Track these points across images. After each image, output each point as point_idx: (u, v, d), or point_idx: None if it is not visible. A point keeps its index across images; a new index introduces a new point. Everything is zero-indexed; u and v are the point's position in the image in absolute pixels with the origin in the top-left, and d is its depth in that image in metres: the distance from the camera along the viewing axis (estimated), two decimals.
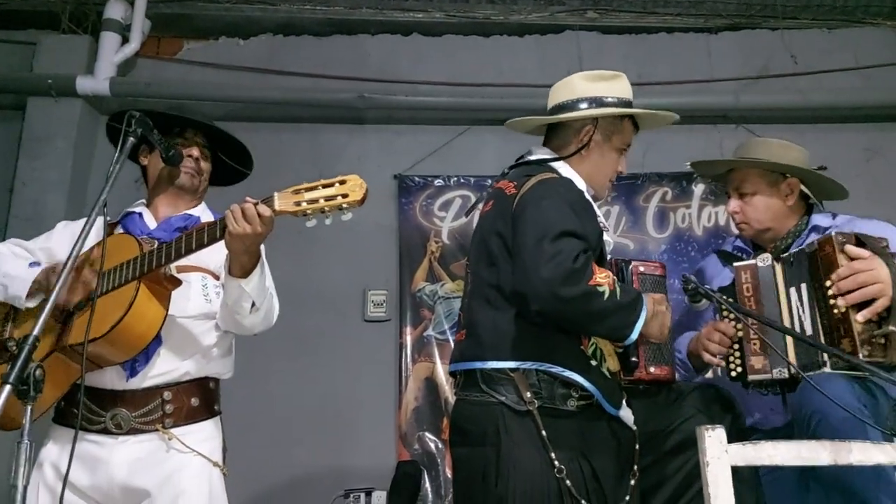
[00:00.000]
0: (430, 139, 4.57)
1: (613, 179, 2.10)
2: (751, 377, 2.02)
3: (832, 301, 1.87)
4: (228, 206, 1.80)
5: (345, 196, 1.74)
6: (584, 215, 1.85)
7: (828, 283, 1.89)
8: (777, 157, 2.27)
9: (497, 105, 4.29)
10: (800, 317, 1.97)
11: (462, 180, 4.48)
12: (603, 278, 1.71)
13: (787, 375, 1.97)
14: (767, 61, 4.78)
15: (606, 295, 1.70)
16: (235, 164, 2.28)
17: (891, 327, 1.81)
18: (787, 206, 2.28)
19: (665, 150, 4.51)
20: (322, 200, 1.74)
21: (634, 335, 1.75)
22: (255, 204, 1.78)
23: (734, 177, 2.34)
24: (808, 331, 1.95)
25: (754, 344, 2.01)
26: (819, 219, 2.28)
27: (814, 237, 2.19)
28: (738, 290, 2.07)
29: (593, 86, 2.05)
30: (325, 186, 1.76)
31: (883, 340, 1.82)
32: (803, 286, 1.97)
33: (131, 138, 1.92)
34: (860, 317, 1.83)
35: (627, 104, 2.06)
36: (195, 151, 2.17)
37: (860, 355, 1.80)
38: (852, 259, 1.88)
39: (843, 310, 1.85)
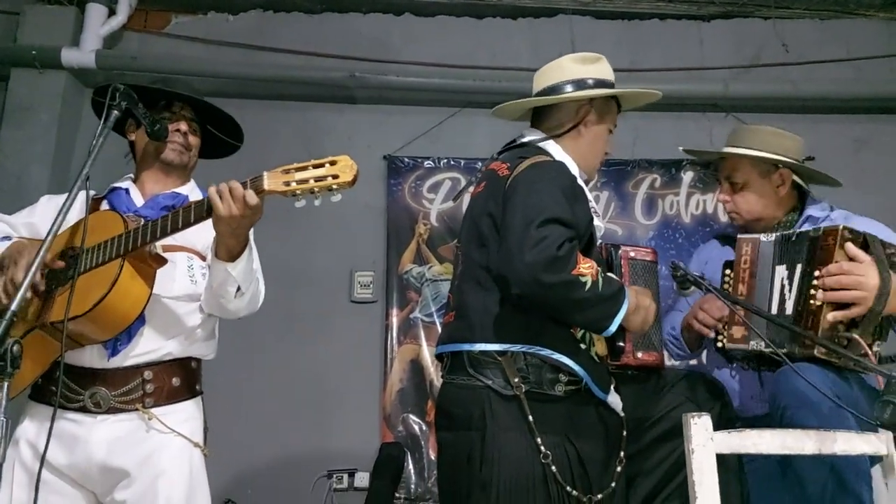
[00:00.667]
0: (420, 120, 4.54)
1: (602, 161, 2.12)
2: (728, 345, 2.06)
3: (813, 290, 1.89)
4: (216, 181, 1.76)
5: (335, 177, 1.71)
6: (575, 201, 1.84)
7: (816, 273, 1.90)
8: (769, 145, 2.26)
9: (489, 88, 4.27)
10: (784, 296, 1.99)
11: (452, 162, 4.46)
12: (587, 268, 1.71)
13: (761, 348, 1.99)
14: (759, 50, 4.77)
15: (588, 285, 1.69)
16: (225, 137, 2.24)
17: (854, 335, 1.84)
18: (779, 196, 2.27)
19: (655, 137, 4.51)
20: (312, 181, 1.71)
21: (613, 328, 1.75)
22: (245, 184, 1.74)
23: (725, 165, 2.34)
24: (789, 311, 1.96)
25: (738, 316, 2.05)
26: (814, 210, 2.27)
27: (807, 228, 2.19)
28: (737, 261, 2.11)
29: (583, 68, 2.07)
30: (315, 167, 1.73)
31: (846, 343, 1.85)
32: (798, 267, 1.97)
33: (115, 112, 1.88)
34: (831, 316, 1.86)
35: (613, 86, 2.10)
36: (183, 125, 2.12)
37: (815, 351, 1.83)
38: (850, 259, 1.88)
39: (819, 304, 1.87)
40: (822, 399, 1.74)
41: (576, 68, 2.06)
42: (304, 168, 1.73)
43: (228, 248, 1.84)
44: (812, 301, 1.88)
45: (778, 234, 2.08)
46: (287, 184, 1.72)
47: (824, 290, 1.87)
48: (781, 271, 2.01)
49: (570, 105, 2.05)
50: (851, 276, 1.84)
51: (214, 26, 4.63)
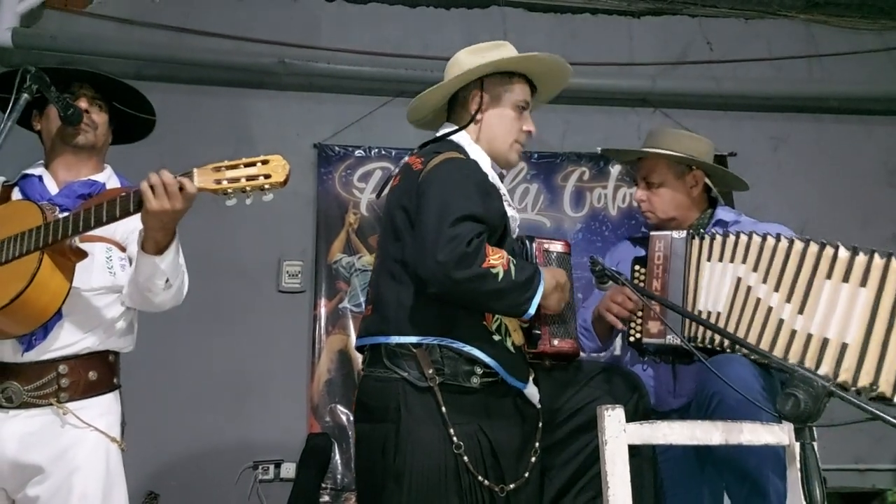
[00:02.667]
0: (351, 109, 4.51)
1: (521, 140, 2.07)
2: (645, 339, 2.10)
3: None
4: (139, 169, 1.71)
5: (267, 177, 1.70)
6: (486, 197, 1.86)
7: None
8: (685, 147, 2.32)
9: (421, 77, 4.23)
10: (706, 293, 2.05)
11: (383, 152, 4.44)
12: (496, 259, 1.74)
13: (677, 342, 2.03)
14: (686, 48, 4.90)
15: (501, 276, 1.73)
16: (136, 112, 2.16)
17: None
18: (692, 197, 2.34)
19: (584, 130, 4.59)
20: (243, 180, 1.69)
21: (532, 310, 1.79)
22: (176, 177, 1.71)
23: (642, 165, 2.39)
24: (720, 308, 2.01)
25: (654, 311, 2.09)
26: (723, 213, 2.35)
27: (718, 230, 2.26)
28: (650, 258, 2.15)
29: (477, 58, 2.04)
30: (246, 165, 1.71)
31: None
32: (730, 265, 2.03)
33: (25, 95, 1.82)
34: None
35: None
36: (83, 103, 2.02)
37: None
38: None
39: None
40: (751, 389, 1.82)
41: (470, 60, 2.05)
42: (236, 166, 1.71)
43: (156, 242, 1.79)
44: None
45: (689, 231, 2.15)
46: (218, 182, 1.70)
47: None
48: (708, 269, 2.07)
49: (465, 95, 2.06)
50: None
51: (139, 7, 4.48)
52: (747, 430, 1.70)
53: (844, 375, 1.74)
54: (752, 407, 1.77)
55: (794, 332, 1.85)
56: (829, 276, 1.84)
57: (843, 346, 1.77)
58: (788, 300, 1.89)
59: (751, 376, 1.91)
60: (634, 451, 1.65)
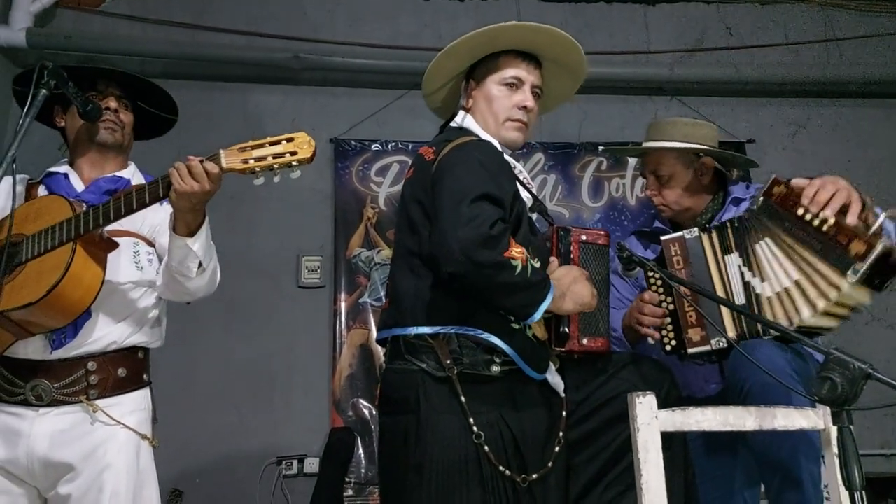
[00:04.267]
0: (367, 103, 4.50)
1: (515, 116, 1.99)
2: (690, 350, 1.99)
3: (816, 222, 1.77)
4: (157, 166, 1.72)
5: (293, 153, 1.71)
6: (499, 174, 1.83)
7: (800, 212, 1.81)
8: (688, 136, 2.27)
9: None
10: (733, 286, 1.98)
11: (400, 145, 4.44)
12: (518, 252, 1.70)
13: (725, 345, 1.96)
14: (702, 35, 4.85)
15: (518, 270, 1.68)
16: (159, 111, 2.17)
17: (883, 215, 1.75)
18: (703, 184, 2.30)
19: (601, 120, 4.56)
20: (270, 158, 1.71)
21: (537, 316, 1.74)
22: (202, 161, 1.72)
23: (650, 160, 2.35)
24: (740, 299, 1.96)
25: (690, 316, 2.00)
26: (737, 190, 2.31)
27: (733, 209, 2.24)
28: (668, 263, 2.06)
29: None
30: (271, 144, 1.72)
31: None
32: (734, 256, 1.98)
33: (43, 90, 1.81)
34: (850, 218, 1.73)
35: None
36: (112, 102, 2.04)
37: (876, 249, 1.65)
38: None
39: (832, 221, 1.74)
40: (782, 372, 1.77)
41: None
42: (261, 146, 1.72)
43: (187, 223, 1.81)
44: (825, 226, 1.75)
45: (699, 228, 2.07)
46: (245, 161, 1.71)
47: (821, 210, 1.76)
48: (727, 262, 2.00)
49: (458, 81, 2.10)
50: (829, 184, 1.78)
51: (153, 4, 4.50)
52: (781, 416, 1.67)
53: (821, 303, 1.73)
54: (784, 390, 1.74)
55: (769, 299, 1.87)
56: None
57: (797, 283, 1.80)
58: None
59: (781, 359, 1.87)
60: (666, 441, 1.62)
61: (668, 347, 2.06)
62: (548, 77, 2.10)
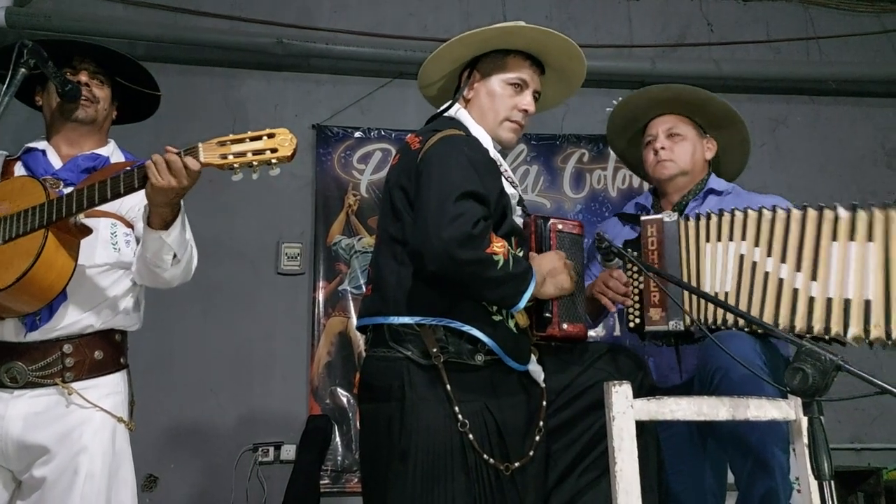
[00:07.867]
0: (350, 90, 4.49)
1: (514, 118, 2.02)
2: (647, 328, 2.08)
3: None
4: (135, 150, 1.70)
5: (273, 151, 1.68)
6: (485, 173, 1.84)
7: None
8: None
9: (420, 59, 4.15)
10: (716, 274, 2.03)
11: (383, 133, 4.42)
12: (499, 247, 1.73)
13: (682, 328, 2.04)
14: (684, 30, 4.88)
15: (500, 264, 1.72)
16: (139, 88, 2.13)
17: None
18: (704, 159, 2.40)
19: (583, 113, 4.58)
20: (250, 154, 1.68)
21: (522, 304, 1.78)
22: (180, 154, 1.69)
23: (666, 119, 2.41)
24: (727, 288, 2.00)
25: (654, 296, 2.07)
26: (715, 182, 2.37)
27: (711, 198, 2.31)
28: (643, 243, 2.12)
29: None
30: (252, 139, 1.69)
31: None
32: (730, 244, 2.01)
33: (22, 69, 1.79)
34: None
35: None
36: (83, 76, 2.00)
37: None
38: None
39: None
40: (752, 363, 1.81)
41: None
42: (241, 140, 1.69)
43: (162, 217, 1.79)
44: None
45: (676, 213, 2.15)
46: (224, 156, 1.68)
47: None
48: (709, 249, 2.04)
49: (456, 73, 2.11)
50: None
51: None
52: (754, 406, 1.70)
53: (876, 332, 1.75)
54: (756, 381, 1.77)
55: (811, 300, 1.84)
56: (834, 238, 1.84)
57: (867, 303, 1.77)
58: (798, 269, 1.88)
59: (752, 351, 1.91)
60: (639, 429, 1.65)
61: (630, 325, 2.14)
62: (545, 84, 2.14)
